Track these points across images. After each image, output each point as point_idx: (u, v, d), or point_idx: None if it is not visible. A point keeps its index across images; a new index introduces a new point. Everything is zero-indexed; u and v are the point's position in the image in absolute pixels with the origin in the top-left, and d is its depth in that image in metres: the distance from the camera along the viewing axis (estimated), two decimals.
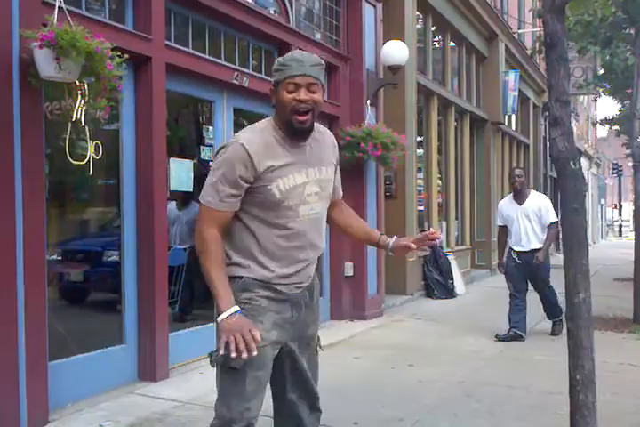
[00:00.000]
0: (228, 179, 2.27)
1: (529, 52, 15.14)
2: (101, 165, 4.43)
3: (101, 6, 4.51)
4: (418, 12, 9.72)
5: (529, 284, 6.68)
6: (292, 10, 6.56)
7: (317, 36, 7.13)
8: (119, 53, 3.71)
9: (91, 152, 4.13)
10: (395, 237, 2.64)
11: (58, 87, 3.66)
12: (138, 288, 4.67)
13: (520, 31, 16.11)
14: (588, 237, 3.24)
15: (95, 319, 4.86)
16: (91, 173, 4.17)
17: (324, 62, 2.33)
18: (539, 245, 6.52)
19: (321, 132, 2.51)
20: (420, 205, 10.09)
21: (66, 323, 4.32)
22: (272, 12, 6.39)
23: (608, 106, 52.79)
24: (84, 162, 4.10)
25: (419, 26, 10.13)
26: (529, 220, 6.58)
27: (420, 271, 9.46)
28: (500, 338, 6.42)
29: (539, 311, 6.79)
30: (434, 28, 10.94)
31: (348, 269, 7.36)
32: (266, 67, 6.36)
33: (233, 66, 5.72)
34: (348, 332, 6.76)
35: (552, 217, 6.59)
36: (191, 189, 5.48)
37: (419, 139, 10.08)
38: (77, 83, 3.65)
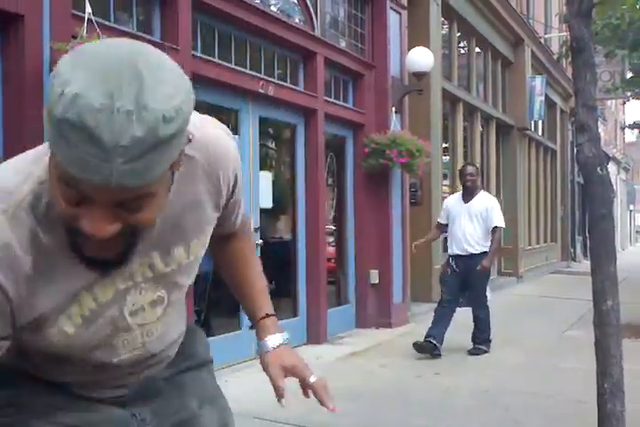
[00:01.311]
0: None
1: (555, 56, 15.03)
2: None
3: (129, 18, 4.59)
4: (443, 18, 9.72)
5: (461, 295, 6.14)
6: (316, 18, 6.59)
7: (342, 44, 7.16)
8: None
9: None
10: (283, 345, 1.44)
11: None
12: None
13: (546, 36, 15.99)
14: (617, 243, 3.22)
15: None
16: None
17: (180, 109, 0.94)
18: (479, 250, 6.01)
19: (193, 159, 1.15)
20: None
21: None
22: (297, 20, 6.43)
23: (637, 110, 52.06)
24: None
25: (444, 32, 10.12)
26: (471, 221, 6.04)
27: None
28: (417, 343, 5.83)
29: (564, 318, 6.72)
30: (459, 34, 10.92)
31: (374, 276, 7.35)
32: (291, 76, 6.40)
33: (258, 75, 5.76)
34: (374, 340, 6.75)
35: (497, 220, 6.04)
36: None
37: (444, 145, 10.05)
38: None
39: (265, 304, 1.50)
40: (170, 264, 1.18)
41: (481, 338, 6.15)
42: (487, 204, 6.12)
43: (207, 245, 1.27)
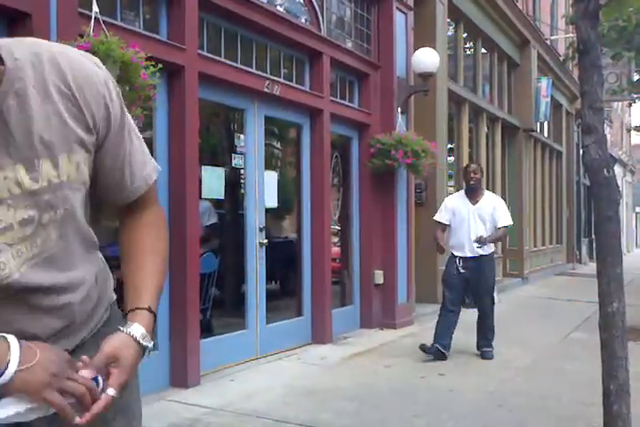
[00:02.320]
0: None
1: (562, 58, 14.99)
2: None
3: (136, 16, 4.59)
4: (449, 19, 9.70)
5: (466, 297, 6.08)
6: (323, 18, 6.59)
7: (348, 45, 7.16)
8: (153, 63, 3.77)
9: None
10: (135, 328, 1.25)
11: None
12: (169, 295, 4.72)
13: (552, 37, 15.97)
14: (622, 245, 3.22)
15: None
16: None
17: None
18: (488, 251, 5.96)
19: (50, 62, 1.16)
20: None
21: None
22: (303, 20, 6.43)
23: None
24: None
25: (450, 33, 10.10)
26: (483, 222, 5.94)
27: None
28: (423, 348, 5.84)
29: (569, 320, 6.70)
30: (465, 35, 10.91)
31: (378, 277, 7.35)
32: (297, 75, 6.40)
33: (264, 74, 5.76)
34: (378, 340, 6.74)
35: (505, 220, 5.98)
36: (222, 197, 5.54)
37: (449, 146, 10.04)
38: None
39: (139, 299, 1.31)
40: (38, 180, 1.15)
41: (484, 344, 6.10)
42: (495, 204, 6.05)
43: (87, 181, 1.24)
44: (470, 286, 6.02)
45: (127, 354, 1.22)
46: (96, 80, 1.20)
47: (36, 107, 1.13)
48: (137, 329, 1.25)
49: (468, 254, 5.94)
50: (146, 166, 1.35)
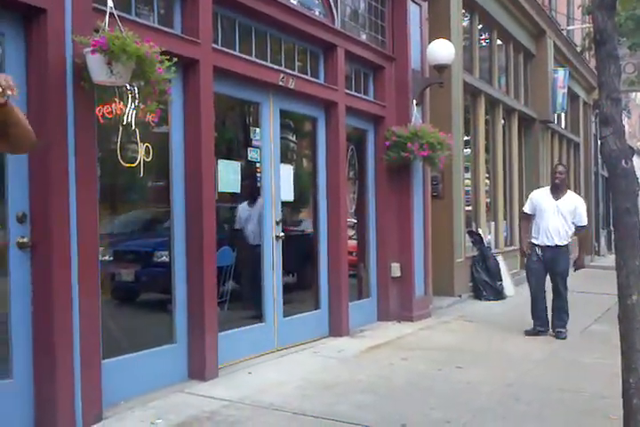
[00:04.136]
0: None
1: (578, 49, 14.85)
2: (151, 167, 4.51)
3: (150, 11, 4.60)
4: (464, 10, 9.63)
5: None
6: (337, 11, 6.57)
7: (363, 37, 7.13)
8: (168, 57, 3.78)
9: (141, 154, 4.23)
10: None
11: (109, 91, 3.75)
12: (187, 288, 4.74)
13: (569, 28, 15.81)
14: None
15: (146, 319, 4.95)
16: (141, 174, 4.26)
17: None
18: (564, 243, 6.61)
19: None
20: (468, 206, 9.99)
21: (118, 322, 4.41)
22: (317, 13, 6.41)
23: None
24: (135, 164, 4.18)
25: (465, 24, 10.03)
26: (563, 217, 6.60)
27: (468, 272, 9.36)
28: (527, 333, 6.71)
29: (588, 313, 6.66)
30: (480, 26, 10.82)
31: (395, 269, 7.33)
32: (312, 68, 6.39)
33: (279, 68, 5.76)
34: (396, 333, 6.74)
35: (585, 219, 6.70)
36: (238, 191, 5.55)
37: (466, 138, 9.98)
38: (128, 87, 3.73)
39: None
40: None
41: (559, 324, 6.67)
42: (577, 203, 6.71)
43: None
44: (547, 271, 6.70)
45: None
46: None
47: None
48: None
49: (546, 243, 6.62)
50: None
